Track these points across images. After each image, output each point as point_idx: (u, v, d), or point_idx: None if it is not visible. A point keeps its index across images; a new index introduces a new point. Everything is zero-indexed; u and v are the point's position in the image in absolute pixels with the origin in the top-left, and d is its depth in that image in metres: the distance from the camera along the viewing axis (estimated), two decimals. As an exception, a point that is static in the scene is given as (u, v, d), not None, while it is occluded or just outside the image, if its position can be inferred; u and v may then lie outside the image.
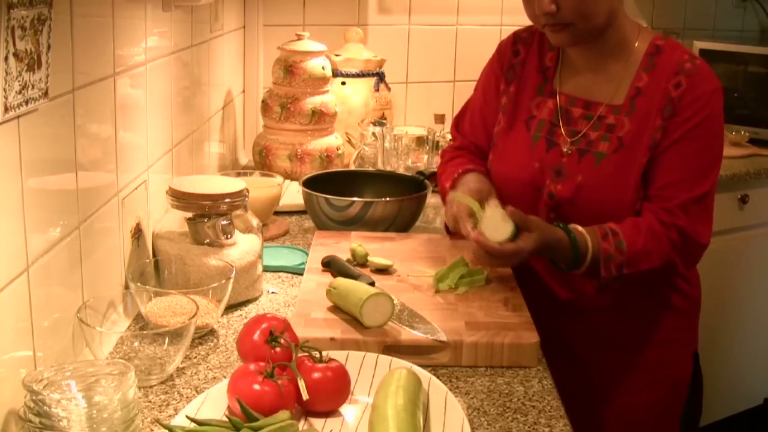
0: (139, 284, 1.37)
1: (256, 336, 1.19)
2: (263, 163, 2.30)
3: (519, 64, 1.68)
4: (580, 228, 1.49)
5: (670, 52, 1.56)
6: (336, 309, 1.41)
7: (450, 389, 1.19)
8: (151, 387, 1.23)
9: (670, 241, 1.50)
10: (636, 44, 1.58)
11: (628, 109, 1.56)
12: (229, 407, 1.11)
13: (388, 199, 1.82)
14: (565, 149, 1.59)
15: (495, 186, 1.65)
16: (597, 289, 1.53)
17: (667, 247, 1.50)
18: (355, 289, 1.38)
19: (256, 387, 1.07)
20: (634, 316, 1.63)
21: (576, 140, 1.59)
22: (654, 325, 1.64)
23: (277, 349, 1.17)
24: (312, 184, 1.89)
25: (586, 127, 1.59)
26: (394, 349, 1.31)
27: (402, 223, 1.84)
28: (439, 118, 2.56)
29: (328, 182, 1.93)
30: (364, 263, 1.61)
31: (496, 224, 1.43)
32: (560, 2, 1.47)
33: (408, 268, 1.60)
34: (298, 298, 1.48)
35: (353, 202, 1.80)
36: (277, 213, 2.02)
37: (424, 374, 1.19)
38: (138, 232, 1.51)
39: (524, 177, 1.62)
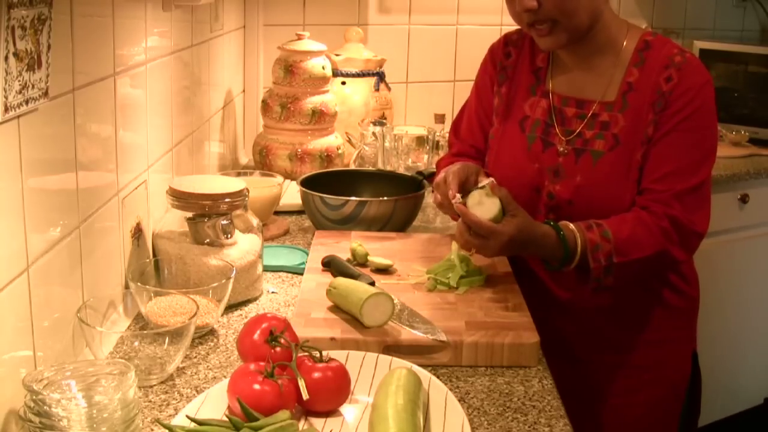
0: (139, 284, 1.37)
1: (256, 336, 1.19)
2: (263, 162, 2.30)
3: (511, 65, 1.68)
4: (570, 224, 1.50)
5: (659, 47, 1.56)
6: (336, 309, 1.41)
7: (450, 389, 1.19)
8: (151, 387, 1.23)
9: (661, 229, 1.49)
10: (624, 42, 1.58)
11: (621, 105, 1.56)
12: (229, 407, 1.11)
13: (381, 198, 1.83)
14: (561, 149, 1.59)
15: None
16: (592, 289, 1.52)
17: (658, 235, 1.49)
18: (355, 288, 1.38)
19: (256, 387, 1.07)
20: (633, 315, 1.63)
21: (571, 140, 1.59)
22: (652, 324, 1.63)
23: (277, 349, 1.17)
24: (311, 183, 1.90)
25: (580, 126, 1.59)
26: (394, 348, 1.31)
27: (398, 222, 1.84)
28: (439, 118, 2.56)
29: (328, 182, 1.93)
30: (364, 263, 1.61)
31: (482, 203, 1.48)
32: None
33: (408, 268, 1.60)
34: (298, 298, 1.48)
35: (347, 201, 1.80)
36: (277, 213, 2.02)
37: (424, 374, 1.19)
38: (138, 232, 1.51)
39: (523, 178, 1.62)
